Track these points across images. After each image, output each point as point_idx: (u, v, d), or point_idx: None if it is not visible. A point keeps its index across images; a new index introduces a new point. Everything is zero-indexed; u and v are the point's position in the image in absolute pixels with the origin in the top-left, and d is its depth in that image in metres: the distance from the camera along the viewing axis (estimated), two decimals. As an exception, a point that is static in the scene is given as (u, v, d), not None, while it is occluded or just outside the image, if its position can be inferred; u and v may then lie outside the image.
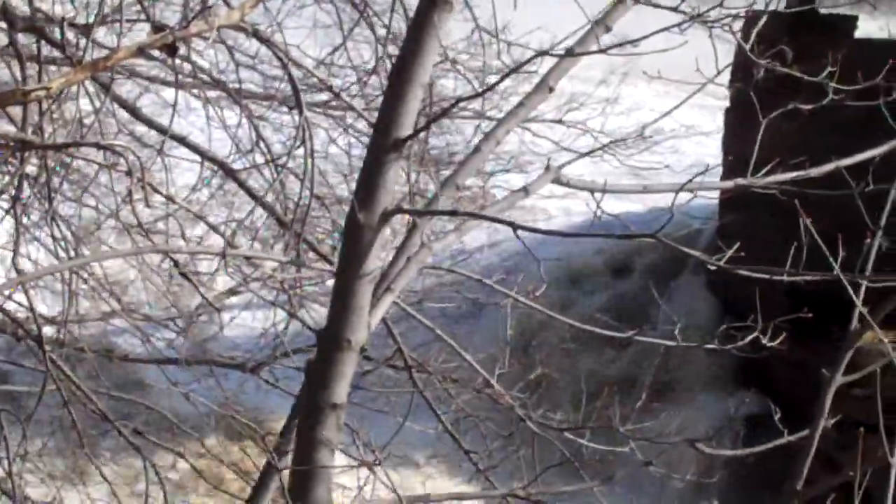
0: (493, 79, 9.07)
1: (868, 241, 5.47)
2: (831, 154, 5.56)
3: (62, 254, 10.56)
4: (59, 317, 10.25)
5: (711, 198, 25.25)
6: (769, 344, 5.65)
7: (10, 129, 9.28)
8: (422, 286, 9.06)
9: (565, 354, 13.12)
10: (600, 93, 13.14)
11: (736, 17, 5.91)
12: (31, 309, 9.31)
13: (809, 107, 5.97)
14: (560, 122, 11.18)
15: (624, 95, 14.02)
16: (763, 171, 5.39)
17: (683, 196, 5.43)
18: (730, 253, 5.37)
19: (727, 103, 21.74)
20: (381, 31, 10.81)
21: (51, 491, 10.96)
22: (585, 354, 18.51)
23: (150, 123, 10.67)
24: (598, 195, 5.35)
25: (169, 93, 10.60)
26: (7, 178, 10.07)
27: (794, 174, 5.35)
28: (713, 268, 5.44)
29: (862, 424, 5.43)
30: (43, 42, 9.76)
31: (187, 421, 10.87)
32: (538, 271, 6.98)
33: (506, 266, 14.05)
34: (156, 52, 8.52)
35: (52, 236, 10.59)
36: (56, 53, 9.91)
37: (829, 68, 5.99)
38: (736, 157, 6.43)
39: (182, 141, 10.48)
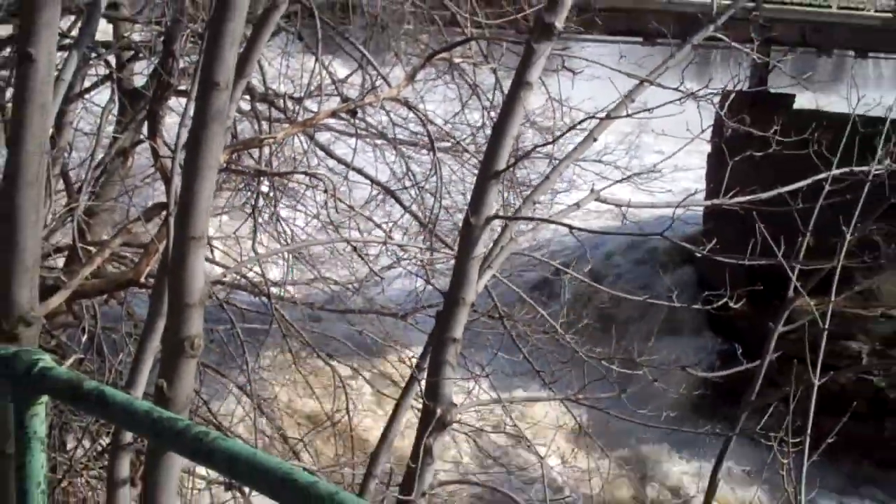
0: (558, 132, 9.07)
1: (800, 239, 5.45)
2: (776, 184, 5.53)
3: (283, 242, 10.70)
4: (280, 281, 10.36)
5: (698, 211, 25.03)
6: (734, 305, 5.64)
7: (251, 163, 9.39)
8: (511, 265, 9.03)
9: (605, 311, 13.02)
10: (626, 141, 13.08)
11: (715, 94, 5.90)
12: (264, 276, 9.43)
13: (761, 153, 5.94)
14: (600, 161, 11.12)
15: (641, 144, 13.91)
16: (731, 195, 5.38)
17: (680, 209, 5.43)
18: (710, 247, 5.38)
19: (709, 149, 21.57)
20: (486, 102, 10.84)
21: (274, 391, 11.08)
22: (620, 312, 18.46)
23: (340, 160, 10.75)
24: (624, 208, 5.37)
25: (351, 141, 10.67)
26: (249, 193, 10.20)
27: (750, 197, 5.33)
28: (699, 255, 5.44)
29: (795, 358, 5.40)
30: (272, 108, 9.87)
31: (361, 349, 10.95)
32: (587, 258, 7.05)
33: (565, 254, 13.98)
34: (343, 115, 8.63)
35: (277, 231, 10.73)
36: (280, 115, 10.00)
37: (775, 128, 5.95)
38: (714, 185, 6.44)
39: (359, 171, 10.56)
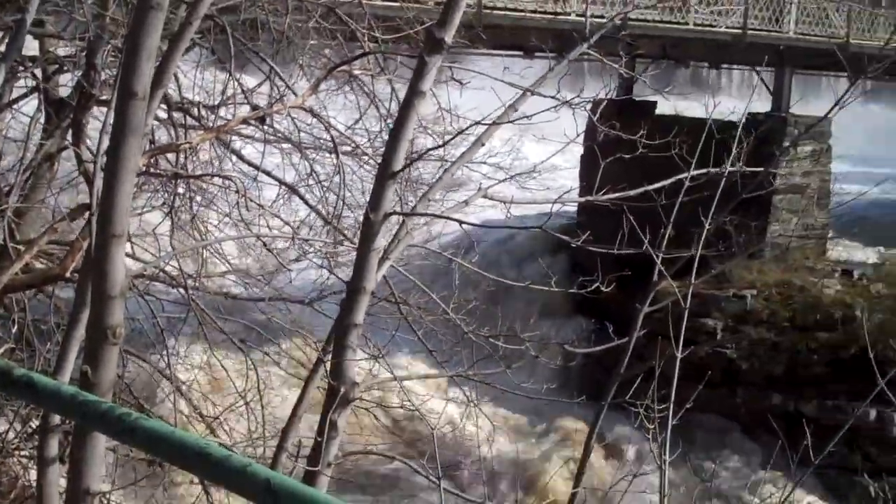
0: (448, 137, 9.11)
1: (663, 231, 5.54)
2: (643, 182, 5.61)
3: (198, 238, 10.57)
4: (195, 274, 10.25)
5: (573, 207, 25.27)
6: (605, 289, 5.72)
7: (169, 167, 9.26)
8: (407, 256, 9.05)
9: (493, 295, 13.10)
10: (510, 144, 13.17)
11: (587, 102, 5.98)
12: (181, 269, 9.32)
13: (628, 155, 6.03)
14: (485, 163, 11.19)
15: (523, 148, 14.02)
16: (602, 192, 5.45)
17: (557, 205, 5.49)
18: (584, 238, 5.45)
19: (582, 151, 21.84)
20: (383, 111, 10.85)
21: (191, 374, 10.97)
22: (504, 297, 18.60)
23: (250, 163, 10.66)
24: (508, 204, 5.41)
25: (260, 146, 10.59)
26: (167, 194, 10.06)
27: (620, 194, 5.41)
28: (574, 246, 5.51)
29: (659, 335, 5.49)
30: (187, 116, 9.75)
31: (272, 334, 10.89)
32: (475, 249, 7.12)
33: (455, 244, 14.05)
34: (253, 122, 8.55)
35: (193, 228, 10.60)
36: (194, 123, 9.89)
37: (641, 132, 6.05)
38: (587, 183, 6.52)
39: (268, 173, 10.49)
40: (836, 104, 5.38)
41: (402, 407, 8.58)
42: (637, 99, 25.05)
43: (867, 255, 27.57)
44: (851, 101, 5.40)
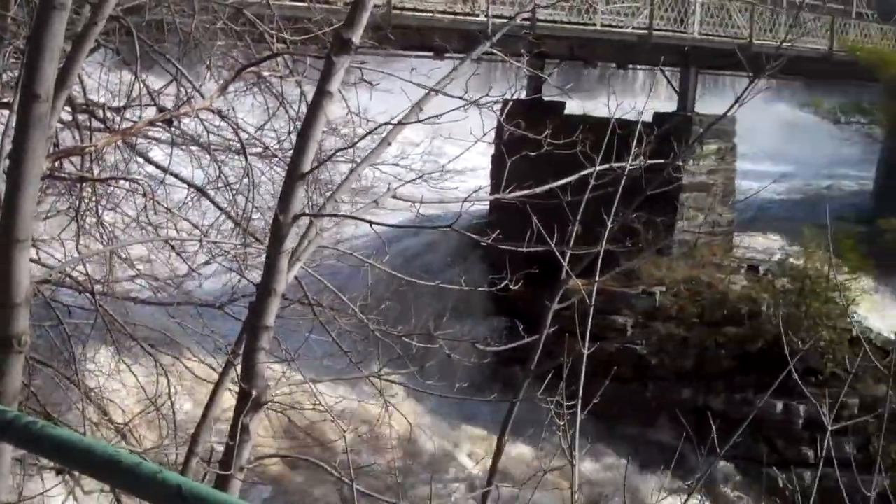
0: (357, 139, 9.11)
1: (570, 228, 5.61)
2: (550, 180, 5.67)
3: (105, 242, 10.41)
4: (103, 279, 10.10)
5: (484, 206, 25.40)
6: (514, 287, 5.78)
7: (74, 170, 9.11)
8: (319, 257, 9.02)
9: (404, 295, 13.11)
10: (421, 145, 13.20)
11: (496, 102, 6.03)
12: (88, 275, 9.17)
13: (536, 154, 6.10)
14: (397, 164, 11.21)
15: (434, 148, 14.05)
16: (510, 190, 5.51)
17: (466, 203, 5.52)
18: (493, 236, 5.50)
19: (493, 150, 21.98)
20: (292, 112, 10.80)
21: (99, 381, 10.80)
22: (417, 297, 18.63)
23: (157, 166, 10.54)
24: (418, 204, 5.43)
25: (168, 148, 10.48)
26: (72, 198, 9.90)
27: (527, 192, 5.46)
28: (484, 244, 5.55)
29: (568, 332, 5.54)
30: (93, 118, 9.60)
31: (182, 339, 10.77)
32: (386, 250, 7.15)
33: (367, 246, 14.03)
34: (160, 124, 8.45)
35: (99, 232, 10.43)
36: (100, 125, 9.74)
37: (547, 131, 6.12)
38: (496, 182, 6.56)
39: (176, 176, 10.37)
40: (735, 102, 5.51)
41: (314, 409, 8.55)
42: (546, 99, 25.30)
43: (772, 250, 28.21)
44: (751, 98, 5.52)
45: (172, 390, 9.64)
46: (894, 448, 21.16)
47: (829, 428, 5.10)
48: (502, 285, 5.78)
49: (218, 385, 5.58)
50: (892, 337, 16.51)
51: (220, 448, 4.94)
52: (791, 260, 24.41)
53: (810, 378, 20.80)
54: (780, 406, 21.84)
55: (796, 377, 5.61)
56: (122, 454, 2.47)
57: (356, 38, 4.77)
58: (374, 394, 8.88)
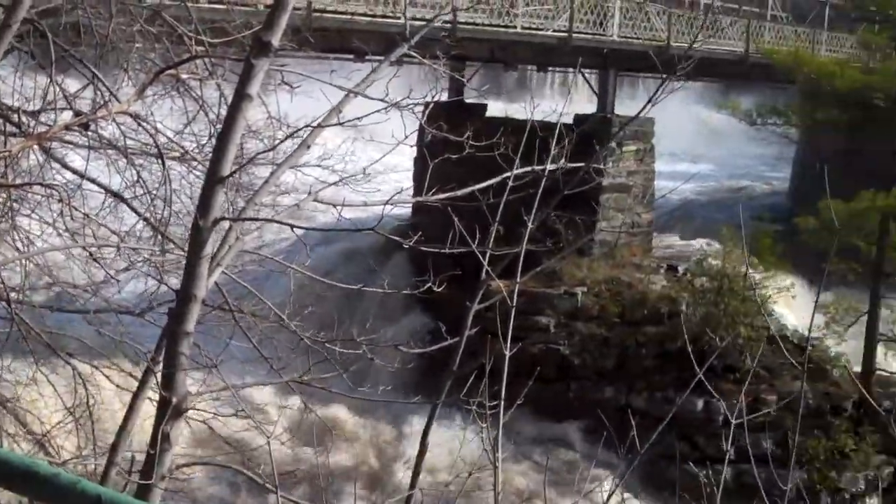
0: (277, 142, 9.06)
1: (491, 229, 5.64)
2: (472, 182, 5.69)
3: (21, 249, 10.22)
4: (19, 286, 9.91)
5: (407, 208, 25.39)
6: (437, 289, 5.79)
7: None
8: (241, 262, 8.95)
9: (326, 299, 13.09)
10: (343, 148, 13.15)
11: (417, 104, 6.05)
12: (2, 282, 8.98)
13: (457, 156, 6.11)
14: (320, 166, 11.17)
15: (356, 151, 14.00)
16: (432, 192, 5.51)
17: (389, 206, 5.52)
18: (415, 238, 5.51)
19: (415, 153, 22.00)
20: (212, 115, 10.71)
21: (16, 391, 10.60)
22: (340, 300, 18.57)
23: (74, 171, 10.37)
24: (339, 207, 5.42)
25: (84, 152, 10.31)
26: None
27: (450, 194, 5.48)
28: (407, 246, 5.55)
29: (490, 333, 5.56)
30: (7, 122, 9.42)
31: (101, 347, 10.62)
32: (308, 254, 7.13)
33: (289, 250, 13.97)
34: (76, 128, 8.31)
35: (15, 239, 10.24)
36: (14, 129, 9.56)
37: (468, 133, 6.14)
38: (419, 184, 6.56)
39: (93, 181, 10.21)
40: (648, 102, 5.58)
41: (236, 416, 8.48)
42: (468, 101, 25.40)
43: (691, 250, 28.65)
44: (664, 97, 5.60)
45: (91, 399, 9.50)
46: (810, 443, 21.63)
47: (733, 422, 5.20)
48: (425, 287, 5.79)
49: (137, 393, 5.50)
50: (808, 335, 16.85)
51: (141, 457, 4.87)
52: (709, 259, 24.79)
53: (729, 375, 21.15)
54: (700, 403, 22.17)
55: (702, 377, 5.68)
56: (39, 465, 2.43)
57: (275, 40, 4.73)
58: (298, 400, 8.85)
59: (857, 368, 23.43)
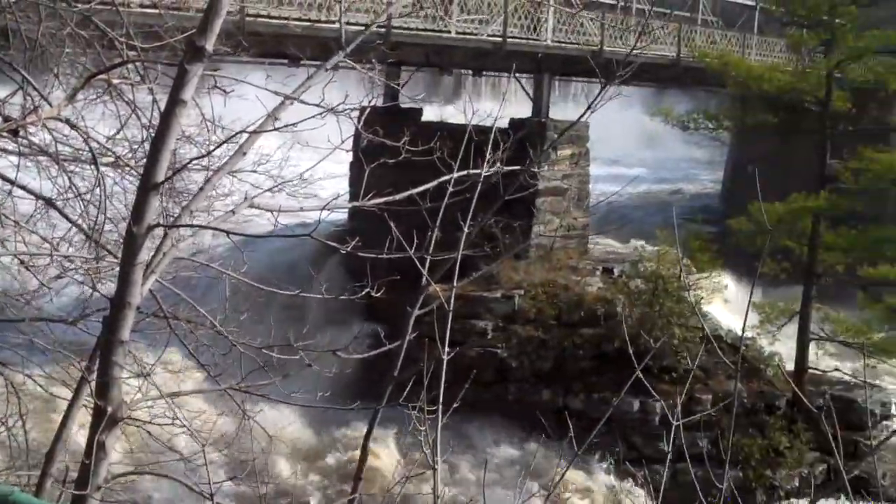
0: (213, 147, 8.99)
1: (429, 233, 5.63)
2: (410, 186, 5.69)
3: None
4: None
5: (344, 213, 25.31)
6: (375, 294, 5.78)
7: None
8: (175, 269, 8.86)
9: (263, 305, 12.96)
10: (279, 153, 13.07)
11: (353, 109, 6.03)
12: (-70, 291, 8.83)
13: (393, 160, 6.12)
14: (255, 172, 11.10)
15: (292, 156, 13.93)
16: (369, 197, 5.51)
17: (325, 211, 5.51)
18: (353, 244, 5.49)
19: (352, 159, 21.93)
20: (145, 120, 10.58)
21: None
22: (277, 306, 18.45)
23: (4, 178, 10.18)
24: (276, 213, 5.39)
25: (14, 159, 10.14)
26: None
27: (386, 199, 5.47)
28: (343, 252, 5.53)
29: (429, 337, 5.57)
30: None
31: (33, 356, 10.45)
32: (244, 260, 7.07)
33: (225, 256, 13.84)
34: (5, 134, 8.16)
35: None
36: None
37: (405, 138, 6.14)
38: (356, 189, 6.54)
39: (23, 188, 10.04)
40: (587, 108, 5.62)
41: (172, 424, 8.37)
42: (404, 106, 25.37)
43: (626, 252, 28.90)
44: (603, 104, 5.64)
45: (24, 409, 9.33)
46: (745, 442, 21.93)
47: (674, 423, 5.24)
48: (363, 293, 5.77)
49: (72, 402, 5.43)
50: (742, 334, 17.02)
51: (76, 468, 4.80)
52: (644, 261, 25.03)
53: (664, 376, 21.36)
54: (636, 404, 22.38)
55: (640, 377, 5.73)
56: (-31, 477, 2.38)
57: (209, 45, 4.70)
58: (235, 407, 8.76)
59: (791, 367, 23.81)
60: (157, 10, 12.19)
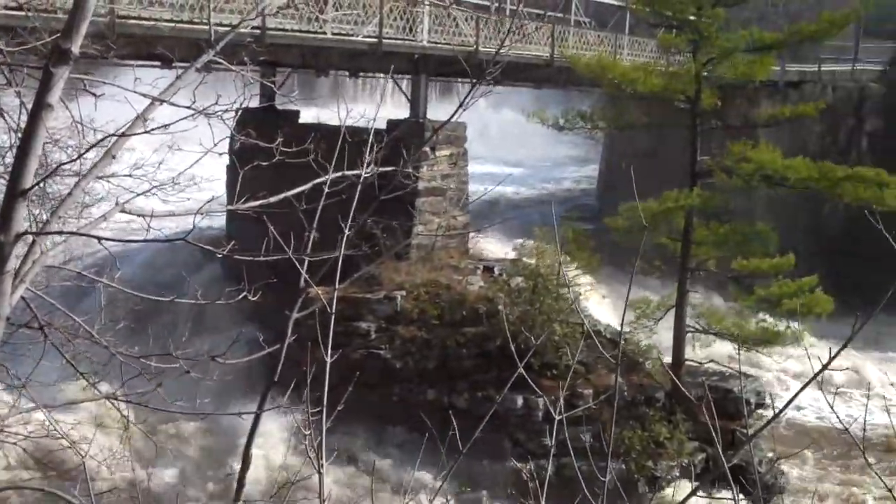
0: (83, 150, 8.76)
1: (307, 235, 5.59)
2: (287, 188, 5.63)
3: None
4: None
5: (222, 216, 24.88)
6: (252, 298, 5.71)
7: None
8: (47, 277, 8.62)
9: (140, 312, 12.71)
10: (155, 157, 12.82)
11: (226, 111, 5.95)
12: None
13: (268, 162, 6.06)
14: (130, 176, 10.87)
15: (168, 159, 13.67)
16: (244, 199, 5.44)
17: (199, 215, 5.41)
18: (229, 247, 5.41)
19: (228, 161, 21.66)
20: (13, 124, 10.27)
21: None
22: (156, 313, 18.11)
23: None
24: (149, 218, 5.28)
25: None
26: None
27: (262, 202, 5.41)
28: (220, 256, 5.45)
29: (311, 340, 5.51)
30: None
31: None
32: (118, 266, 6.93)
33: (100, 262, 13.53)
34: None
35: None
36: None
37: (279, 140, 6.08)
38: (233, 191, 6.44)
39: None
40: (459, 107, 5.63)
41: (48, 436, 8.15)
42: (280, 107, 25.17)
43: (505, 250, 29.16)
44: (474, 102, 5.66)
45: None
46: (626, 434, 22.32)
47: (556, 418, 5.30)
48: (240, 297, 5.70)
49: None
50: (621, 329, 17.33)
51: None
52: (524, 259, 25.26)
53: (546, 372, 21.60)
54: (520, 400, 22.58)
55: (523, 373, 5.78)
56: None
57: (75, 48, 4.58)
58: (116, 416, 8.59)
59: (668, 359, 24.32)
60: (22, 13, 11.84)
